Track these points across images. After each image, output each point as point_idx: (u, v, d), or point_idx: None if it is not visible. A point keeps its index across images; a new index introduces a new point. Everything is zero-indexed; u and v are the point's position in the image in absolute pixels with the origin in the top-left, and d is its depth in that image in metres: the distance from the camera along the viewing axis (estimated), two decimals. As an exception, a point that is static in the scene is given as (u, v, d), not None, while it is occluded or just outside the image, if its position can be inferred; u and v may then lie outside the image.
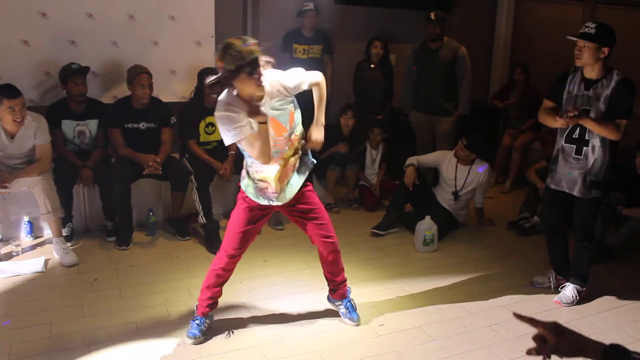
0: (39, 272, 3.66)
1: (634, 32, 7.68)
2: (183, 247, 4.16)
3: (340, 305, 3.19)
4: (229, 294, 3.20)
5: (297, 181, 2.84)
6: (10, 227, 4.17)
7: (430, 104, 5.32)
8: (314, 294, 3.47)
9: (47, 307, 3.20)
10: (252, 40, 2.46)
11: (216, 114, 2.57)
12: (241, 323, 3.11)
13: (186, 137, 4.42)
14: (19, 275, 3.58)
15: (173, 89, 4.86)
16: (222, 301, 3.25)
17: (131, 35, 4.63)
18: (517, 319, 1.37)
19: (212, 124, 4.43)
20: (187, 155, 4.45)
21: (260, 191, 2.78)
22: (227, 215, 4.63)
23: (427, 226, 4.24)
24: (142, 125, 4.26)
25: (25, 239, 4.16)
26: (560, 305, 3.45)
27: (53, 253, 3.88)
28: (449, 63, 5.19)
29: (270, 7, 5.49)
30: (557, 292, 3.55)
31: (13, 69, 4.21)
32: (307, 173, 2.89)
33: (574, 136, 3.30)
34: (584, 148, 3.26)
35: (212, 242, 4.11)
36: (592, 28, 3.10)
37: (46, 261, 3.79)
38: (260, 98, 2.57)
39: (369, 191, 5.32)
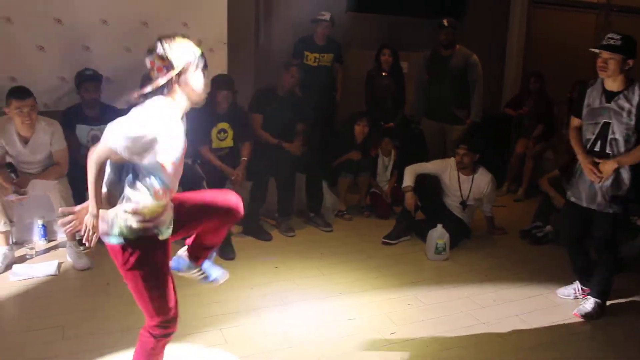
0: (52, 275, 3.68)
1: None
2: (194, 252, 4.16)
3: (197, 272, 2.77)
4: (240, 300, 3.21)
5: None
6: (24, 230, 4.20)
7: (442, 112, 5.32)
8: (324, 301, 3.46)
9: (60, 310, 3.22)
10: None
11: None
12: (250, 328, 3.11)
13: (198, 144, 4.44)
14: (32, 278, 3.60)
15: (186, 95, 4.87)
16: (232, 306, 3.27)
17: (144, 42, 4.56)
18: None
19: (224, 130, 4.46)
20: (199, 161, 4.46)
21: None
22: (238, 221, 4.63)
23: (438, 234, 4.22)
24: (155, 130, 4.28)
25: (39, 242, 4.18)
26: (578, 317, 3.39)
27: (66, 256, 3.90)
28: (461, 71, 5.19)
29: (283, 14, 5.51)
30: (578, 302, 3.53)
31: (29, 74, 4.24)
32: None
33: (595, 149, 3.19)
34: None
35: (223, 247, 4.11)
36: (617, 40, 3.01)
37: (59, 264, 3.81)
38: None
39: (381, 198, 5.31)
